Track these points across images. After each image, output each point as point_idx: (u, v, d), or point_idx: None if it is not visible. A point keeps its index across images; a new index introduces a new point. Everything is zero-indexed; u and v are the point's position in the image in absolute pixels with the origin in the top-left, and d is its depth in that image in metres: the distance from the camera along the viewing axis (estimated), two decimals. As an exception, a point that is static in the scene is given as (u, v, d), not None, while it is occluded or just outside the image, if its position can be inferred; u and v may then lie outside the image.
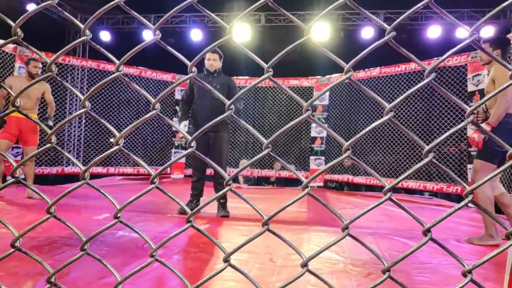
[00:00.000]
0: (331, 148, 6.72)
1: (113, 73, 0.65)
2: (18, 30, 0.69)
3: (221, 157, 3.66)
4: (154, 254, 0.68)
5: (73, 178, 6.47)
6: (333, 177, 6.61)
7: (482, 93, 4.79)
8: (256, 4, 0.60)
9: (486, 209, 0.58)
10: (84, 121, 7.41)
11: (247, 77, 7.01)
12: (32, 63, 4.14)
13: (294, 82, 6.91)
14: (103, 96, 6.78)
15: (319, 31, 7.41)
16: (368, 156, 6.46)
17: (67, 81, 7.14)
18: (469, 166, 5.21)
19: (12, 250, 0.77)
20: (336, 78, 6.59)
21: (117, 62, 0.64)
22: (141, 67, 6.89)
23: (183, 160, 7.06)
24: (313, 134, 6.76)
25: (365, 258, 2.38)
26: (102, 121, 0.69)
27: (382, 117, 0.53)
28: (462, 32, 7.19)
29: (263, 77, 0.61)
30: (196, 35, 8.20)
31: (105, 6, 0.61)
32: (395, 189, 6.38)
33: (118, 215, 0.70)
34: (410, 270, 2.15)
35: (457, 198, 5.75)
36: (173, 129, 6.90)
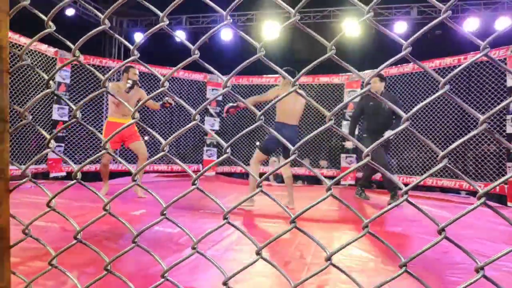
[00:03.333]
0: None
1: (144, 73, 0.72)
2: (50, 23, 0.77)
3: None
4: (195, 246, 0.74)
5: (121, 174, 6.74)
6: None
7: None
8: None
9: None
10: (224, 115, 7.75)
11: (276, 75, 7.05)
12: (132, 70, 4.25)
13: (324, 79, 6.87)
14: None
15: (351, 27, 7.32)
16: (402, 153, 6.33)
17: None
18: (508, 164, 5.00)
19: (75, 241, 0.86)
20: (368, 74, 6.48)
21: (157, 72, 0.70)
22: (173, 67, 7.07)
23: (214, 157, 7.20)
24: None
25: (429, 255, 2.37)
26: (150, 130, 0.77)
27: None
28: (502, 23, 6.88)
29: (290, 90, 0.66)
30: (226, 35, 8.32)
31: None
32: (429, 188, 6.21)
33: (165, 212, 0.77)
34: (444, 271, 2.13)
35: (497, 197, 5.53)
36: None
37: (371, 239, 2.83)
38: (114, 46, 9.33)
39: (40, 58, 5.66)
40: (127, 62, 0.78)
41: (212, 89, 7.11)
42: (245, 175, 7.35)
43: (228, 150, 0.70)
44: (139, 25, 9.09)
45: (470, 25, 7.09)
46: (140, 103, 0.82)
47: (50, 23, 0.75)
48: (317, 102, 6.95)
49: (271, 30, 7.75)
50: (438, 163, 0.52)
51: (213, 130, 7.17)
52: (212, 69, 0.76)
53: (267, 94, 4.02)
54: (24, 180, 0.82)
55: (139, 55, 0.76)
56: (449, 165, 0.51)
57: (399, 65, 6.18)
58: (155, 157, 0.79)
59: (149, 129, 0.79)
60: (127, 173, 6.65)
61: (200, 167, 7.16)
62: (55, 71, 0.82)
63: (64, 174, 5.92)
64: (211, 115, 7.19)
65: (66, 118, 6.10)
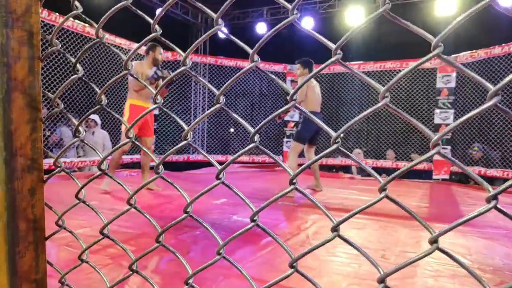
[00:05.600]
0: (458, 137, 5.99)
1: (232, 67, 0.67)
2: (76, 3, 0.74)
3: None
4: (255, 218, 0.67)
5: (196, 165, 7.11)
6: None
7: None
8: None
9: None
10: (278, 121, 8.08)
11: (360, 62, 6.69)
12: (157, 50, 3.91)
13: (413, 63, 6.32)
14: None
15: (445, 4, 6.62)
16: (506, 145, 5.56)
17: (191, 78, 7.83)
18: None
19: (101, 237, 0.82)
20: (465, 57, 5.80)
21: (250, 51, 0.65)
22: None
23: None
24: (436, 121, 6.10)
25: (498, 263, 2.07)
26: (174, 115, 0.72)
27: None
28: None
29: (330, 61, 0.56)
30: (307, 23, 8.13)
31: None
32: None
33: (188, 210, 0.72)
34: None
35: None
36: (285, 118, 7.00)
37: (469, 239, 2.52)
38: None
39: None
40: (148, 40, 0.71)
41: (292, 80, 7.03)
42: (325, 167, 7.16)
43: (256, 138, 0.62)
44: (223, 19, 9.35)
45: None
46: (162, 83, 0.74)
47: (76, 3, 0.73)
48: (407, 90, 6.44)
49: (355, 16, 7.36)
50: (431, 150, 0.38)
51: (293, 121, 7.10)
52: (174, 46, 0.68)
53: (301, 92, 4.18)
54: (56, 170, 0.81)
55: (161, 31, 0.70)
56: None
57: (504, 44, 5.40)
58: (178, 145, 0.71)
59: (173, 114, 0.74)
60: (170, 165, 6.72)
61: (280, 158, 7.16)
62: (80, 54, 0.76)
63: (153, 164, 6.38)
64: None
65: (156, 112, 6.54)
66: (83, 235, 2.24)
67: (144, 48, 4.16)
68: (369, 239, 2.55)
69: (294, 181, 0.62)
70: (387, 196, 0.54)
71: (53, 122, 5.18)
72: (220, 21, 0.65)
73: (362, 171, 6.74)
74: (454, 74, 5.92)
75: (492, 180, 5.56)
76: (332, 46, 0.55)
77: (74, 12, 0.74)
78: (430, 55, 0.48)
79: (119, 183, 0.83)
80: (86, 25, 4.99)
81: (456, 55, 5.89)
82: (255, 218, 0.67)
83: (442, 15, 6.83)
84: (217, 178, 0.69)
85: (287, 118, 7.10)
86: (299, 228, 2.75)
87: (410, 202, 3.87)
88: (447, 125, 5.99)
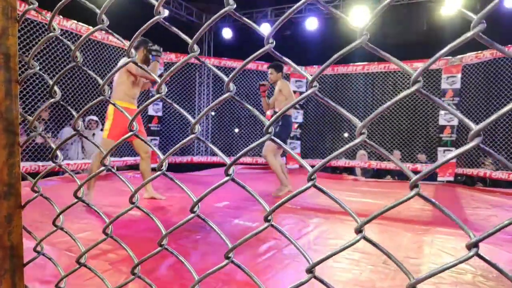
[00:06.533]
0: (464, 139, 5.93)
1: (233, 69, 0.66)
2: (161, 9, 0.70)
3: None
4: (312, 270, 0.64)
5: (200, 166, 7.11)
6: (465, 170, 5.83)
7: None
8: None
9: None
10: (212, 113, 8.05)
11: (364, 62, 6.66)
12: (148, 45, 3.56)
13: (419, 64, 6.24)
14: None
15: (450, 4, 6.56)
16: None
17: (195, 78, 7.84)
18: None
19: (105, 237, 0.80)
20: (470, 58, 5.74)
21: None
22: (257, 62, 7.13)
23: (298, 150, 7.12)
24: (441, 122, 6.05)
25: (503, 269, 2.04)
26: (179, 108, 0.70)
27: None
28: None
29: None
30: (311, 24, 8.09)
31: None
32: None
33: (195, 209, 0.69)
34: None
35: None
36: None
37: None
38: (204, 42, 9.75)
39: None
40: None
41: (296, 81, 7.01)
42: (329, 169, 7.14)
43: (271, 129, 0.58)
44: (227, 21, 9.35)
45: None
46: (168, 72, 0.68)
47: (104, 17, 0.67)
48: (400, 90, 6.35)
49: (359, 15, 7.32)
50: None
51: (297, 122, 7.08)
52: (179, 32, 0.64)
53: (290, 95, 4.46)
54: (35, 195, 0.78)
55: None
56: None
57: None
58: (185, 140, 0.67)
59: (177, 107, 0.71)
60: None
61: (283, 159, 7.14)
62: (58, 75, 0.71)
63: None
64: (295, 107, 7.10)
65: (160, 114, 6.55)
66: (83, 239, 2.24)
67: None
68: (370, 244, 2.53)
69: (312, 177, 0.58)
70: (418, 195, 0.50)
71: (57, 125, 5.20)
72: (231, 1, 0.61)
73: (366, 173, 6.70)
74: (459, 75, 5.86)
75: (497, 182, 5.51)
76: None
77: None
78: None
79: (123, 180, 0.80)
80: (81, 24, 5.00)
81: (462, 55, 5.84)
82: (269, 218, 0.63)
83: (447, 14, 6.78)
84: (226, 174, 0.65)
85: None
86: (301, 231, 2.73)
87: (414, 204, 3.83)
88: (452, 126, 5.93)
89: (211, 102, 7.78)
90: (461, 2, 6.51)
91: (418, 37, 7.23)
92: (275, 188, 4.44)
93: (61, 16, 4.65)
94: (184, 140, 0.69)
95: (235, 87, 0.65)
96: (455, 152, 0.48)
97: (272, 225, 0.63)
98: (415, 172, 6.31)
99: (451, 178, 5.85)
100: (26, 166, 4.23)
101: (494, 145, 5.61)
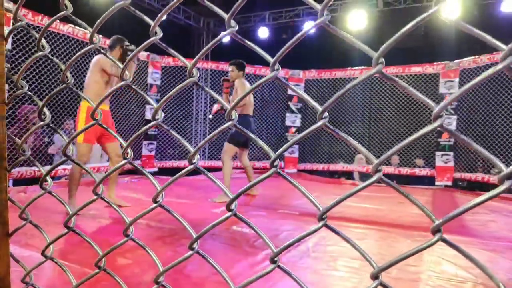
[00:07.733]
0: (462, 144, 5.91)
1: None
2: (67, 2, 0.69)
3: None
4: (276, 260, 0.63)
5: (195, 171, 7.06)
6: (464, 175, 5.82)
7: None
8: None
9: None
10: (210, 116, 8.01)
11: (363, 67, 6.66)
12: (125, 44, 3.41)
13: (416, 69, 6.28)
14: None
15: (449, 8, 6.57)
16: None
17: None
18: None
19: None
20: (467, 62, 5.75)
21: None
22: (256, 65, 7.12)
23: (296, 154, 7.10)
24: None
25: (502, 279, 2.02)
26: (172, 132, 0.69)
27: None
28: None
29: (268, 76, 0.52)
30: (310, 27, 8.09)
31: None
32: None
33: (158, 199, 0.68)
34: None
35: None
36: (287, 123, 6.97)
37: (472, 252, 2.46)
38: (202, 45, 9.75)
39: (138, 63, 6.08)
40: (148, 44, 0.67)
41: (294, 85, 6.99)
42: (327, 173, 7.12)
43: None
44: (225, 25, 9.34)
45: None
46: (129, 57, 0.66)
47: (67, 2, 0.66)
48: (409, 95, 6.38)
49: (357, 19, 7.33)
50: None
51: (295, 126, 7.06)
52: (178, 55, 0.64)
53: (243, 90, 4.15)
54: (23, 223, 0.74)
55: (161, 34, 0.65)
56: None
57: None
58: (147, 126, 0.67)
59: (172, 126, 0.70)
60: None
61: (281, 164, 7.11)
62: (67, 67, 0.69)
63: (156, 169, 6.35)
64: (292, 111, 7.09)
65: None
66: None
67: (108, 42, 3.71)
68: (369, 250, 2.50)
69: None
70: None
71: (51, 131, 5.16)
72: (233, 22, 0.60)
73: (364, 177, 6.68)
74: (457, 80, 5.87)
75: (494, 187, 5.49)
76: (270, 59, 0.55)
77: (63, 12, 0.69)
78: (370, 72, 0.46)
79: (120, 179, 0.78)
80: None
81: (459, 60, 5.85)
82: (231, 208, 0.65)
83: (446, 18, 6.78)
84: (190, 163, 0.67)
85: (288, 123, 7.07)
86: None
87: (411, 209, 3.81)
88: (449, 131, 5.92)
89: (209, 105, 7.76)
90: (459, 9, 6.53)
91: (416, 42, 7.25)
92: (270, 192, 4.43)
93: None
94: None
95: (198, 73, 0.68)
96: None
97: (235, 215, 0.66)
98: (413, 176, 6.30)
99: (449, 183, 5.84)
100: (21, 171, 4.18)
101: (493, 150, 5.60)
